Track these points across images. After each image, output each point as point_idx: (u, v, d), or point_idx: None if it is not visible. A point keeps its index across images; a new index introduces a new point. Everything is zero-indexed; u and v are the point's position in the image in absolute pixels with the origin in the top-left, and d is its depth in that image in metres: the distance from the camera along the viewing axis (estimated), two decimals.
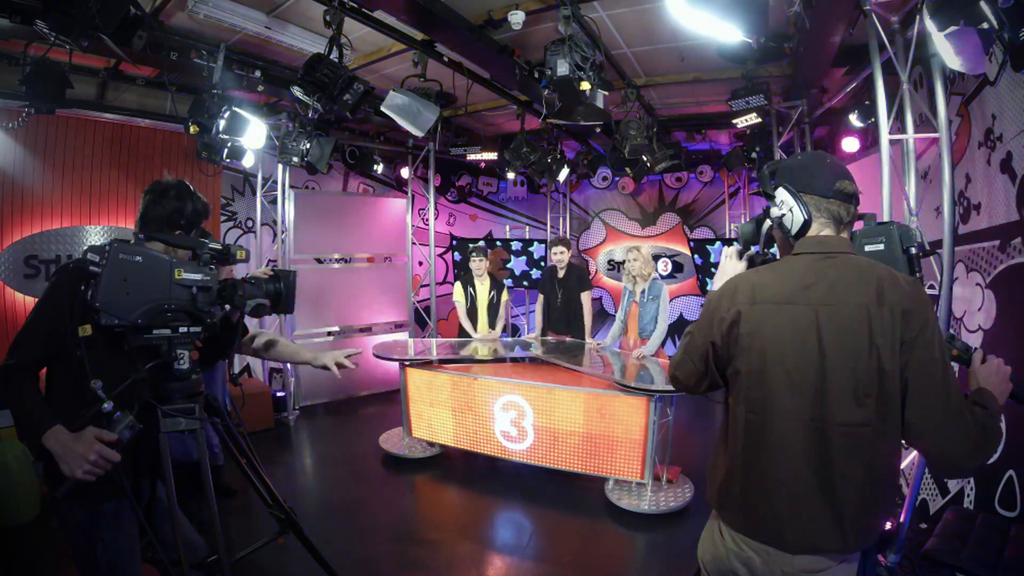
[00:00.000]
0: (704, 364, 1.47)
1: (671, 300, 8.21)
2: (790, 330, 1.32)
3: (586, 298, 5.16)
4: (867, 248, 1.56)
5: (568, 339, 5.21)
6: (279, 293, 1.83)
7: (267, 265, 6.09)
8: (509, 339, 5.72)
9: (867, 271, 1.31)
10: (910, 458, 3.17)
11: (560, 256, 5.22)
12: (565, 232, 8.91)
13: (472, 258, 5.24)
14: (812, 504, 1.30)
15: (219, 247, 1.68)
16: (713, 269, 7.03)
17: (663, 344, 4.59)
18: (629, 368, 4.15)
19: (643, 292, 4.63)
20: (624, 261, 4.81)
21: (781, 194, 1.41)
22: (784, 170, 1.43)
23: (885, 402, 1.25)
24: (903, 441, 1.30)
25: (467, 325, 5.32)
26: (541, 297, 5.45)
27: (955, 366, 1.43)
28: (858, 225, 1.65)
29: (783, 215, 1.41)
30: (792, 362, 1.31)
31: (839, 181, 1.37)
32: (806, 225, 1.37)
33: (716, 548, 1.48)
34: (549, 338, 5.33)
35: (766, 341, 1.34)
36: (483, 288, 5.25)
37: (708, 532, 1.54)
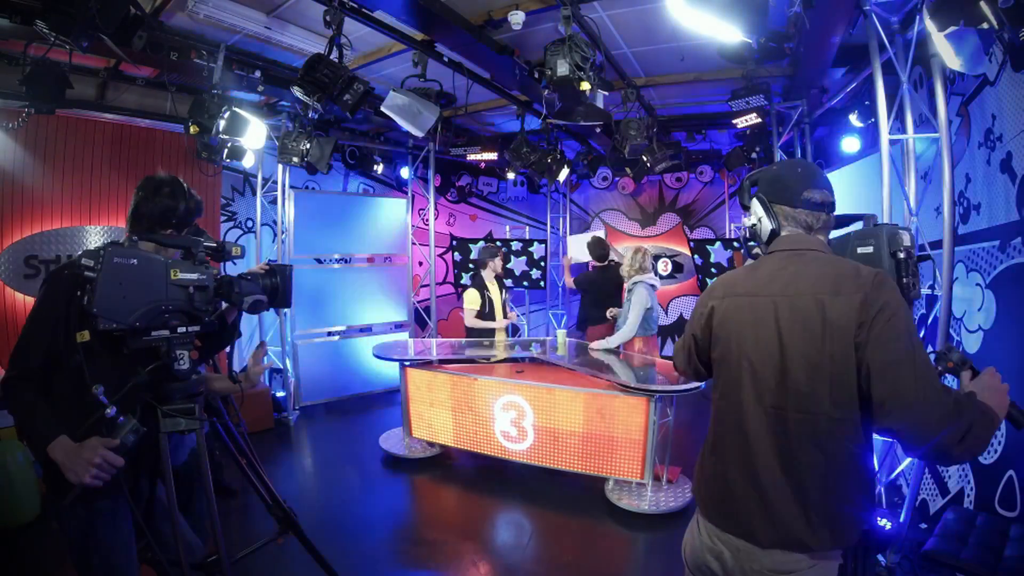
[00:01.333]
0: (687, 353, 1.64)
1: (671, 300, 8.26)
2: (752, 320, 1.39)
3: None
4: (859, 251, 1.57)
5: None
6: (276, 288, 1.83)
7: (267, 262, 6.08)
8: (510, 339, 5.71)
9: (829, 265, 1.36)
10: (910, 459, 3.17)
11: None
12: (565, 232, 8.91)
13: (497, 258, 5.12)
14: (777, 491, 1.30)
15: (214, 244, 1.68)
16: (713, 269, 7.04)
17: (663, 347, 4.60)
18: (629, 368, 4.15)
19: (628, 291, 4.76)
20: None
21: (754, 205, 1.50)
22: (761, 181, 1.51)
23: (840, 390, 1.26)
24: (878, 430, 1.27)
25: (484, 324, 5.14)
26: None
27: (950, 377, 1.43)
28: (858, 226, 1.66)
29: (754, 224, 1.51)
30: (753, 350, 1.38)
31: (806, 191, 1.42)
32: (774, 233, 1.45)
33: (693, 540, 1.50)
34: (585, 341, 5.18)
35: (732, 331, 1.44)
36: (495, 289, 5.21)
37: (690, 525, 1.56)
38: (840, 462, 1.27)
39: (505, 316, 5.26)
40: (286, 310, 5.61)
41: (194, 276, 1.58)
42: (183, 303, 1.57)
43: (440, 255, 8.48)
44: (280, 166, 5.74)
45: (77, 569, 1.66)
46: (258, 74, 4.37)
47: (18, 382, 1.55)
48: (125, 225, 1.78)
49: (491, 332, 5.19)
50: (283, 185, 5.91)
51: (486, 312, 5.12)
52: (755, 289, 1.42)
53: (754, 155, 5.70)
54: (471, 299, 5.11)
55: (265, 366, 2.17)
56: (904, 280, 1.47)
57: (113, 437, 1.45)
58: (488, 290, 5.14)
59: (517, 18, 3.48)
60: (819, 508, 1.27)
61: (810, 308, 1.30)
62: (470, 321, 5.14)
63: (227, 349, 1.95)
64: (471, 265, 7.90)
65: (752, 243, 1.59)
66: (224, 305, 1.79)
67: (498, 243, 8.08)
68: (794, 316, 1.32)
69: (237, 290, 1.71)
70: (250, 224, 6.31)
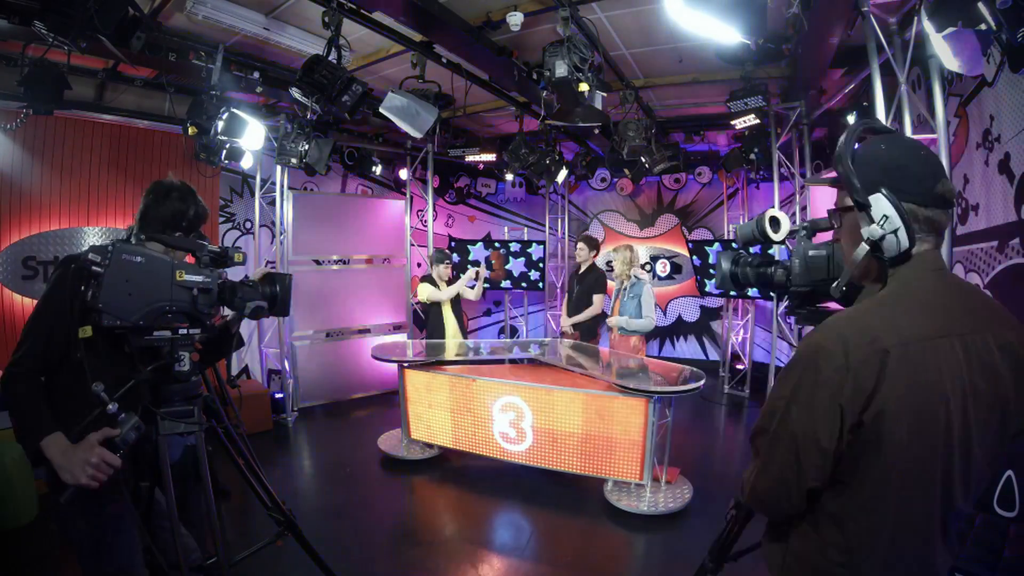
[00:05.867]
0: (821, 457, 1.01)
1: (669, 301, 8.27)
2: (948, 373, 0.97)
3: (597, 301, 5.19)
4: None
5: (576, 340, 5.18)
6: (275, 296, 1.83)
7: (265, 265, 6.08)
8: (508, 340, 5.72)
9: (978, 293, 1.07)
10: None
11: (580, 253, 5.35)
12: (564, 233, 8.91)
13: (442, 264, 5.32)
14: None
15: (217, 249, 1.68)
16: (712, 270, 7.04)
17: (661, 348, 4.61)
18: (628, 369, 4.15)
19: (624, 290, 4.85)
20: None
21: (883, 206, 1.01)
22: (872, 168, 1.06)
23: (991, 460, 1.01)
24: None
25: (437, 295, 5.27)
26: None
27: None
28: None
29: (884, 236, 1.02)
30: (947, 417, 0.97)
31: (939, 184, 1.03)
32: (907, 251, 1.03)
33: None
34: (567, 340, 5.32)
35: (928, 394, 0.97)
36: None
37: None
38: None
39: (460, 319, 5.42)
40: None
41: (199, 278, 1.58)
42: (187, 305, 1.56)
43: None
44: (279, 167, 5.74)
45: (85, 573, 1.65)
46: (257, 75, 4.37)
47: (18, 375, 1.55)
48: (128, 227, 1.78)
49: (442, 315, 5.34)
50: (281, 186, 5.90)
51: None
52: (938, 328, 0.99)
53: (752, 156, 5.71)
54: (424, 291, 5.29)
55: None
56: None
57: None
58: (439, 287, 5.33)
59: (515, 19, 3.48)
60: None
61: (998, 351, 0.97)
62: (424, 295, 5.29)
63: None
64: (471, 265, 7.90)
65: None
66: (229, 314, 1.79)
67: (496, 244, 8.09)
68: (984, 362, 0.97)
69: (239, 295, 1.71)
70: (249, 225, 6.30)
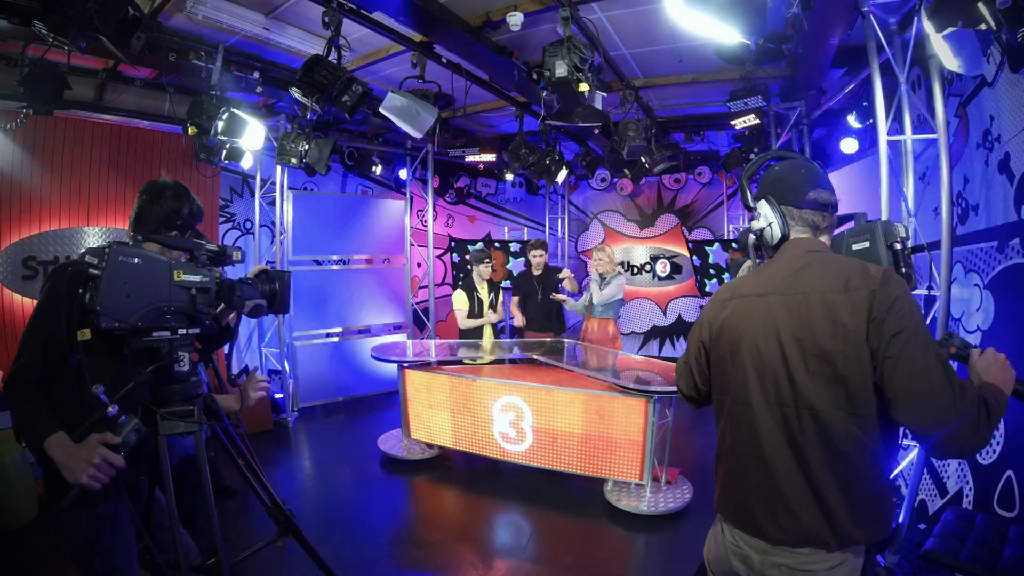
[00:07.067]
0: (697, 366, 1.58)
1: (669, 301, 8.28)
2: (758, 318, 1.39)
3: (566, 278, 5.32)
4: (854, 247, 1.57)
5: (548, 339, 5.18)
6: (274, 294, 1.83)
7: (265, 264, 6.08)
8: (508, 340, 5.72)
9: (835, 264, 1.36)
10: (909, 458, 3.17)
11: (537, 259, 5.32)
12: (564, 234, 8.91)
13: (482, 264, 5.22)
14: (794, 490, 1.30)
15: (215, 248, 1.68)
16: (712, 270, 7.05)
17: (661, 348, 4.62)
18: (628, 368, 4.15)
19: (603, 281, 4.99)
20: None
21: (762, 207, 1.47)
22: (764, 183, 1.50)
23: (853, 388, 1.25)
24: (893, 423, 1.27)
25: (473, 323, 5.20)
26: (516, 298, 5.44)
27: (955, 364, 1.42)
28: (849, 225, 1.67)
29: (763, 228, 1.48)
30: (761, 348, 1.37)
31: (812, 191, 1.43)
32: (784, 237, 1.45)
33: (718, 546, 1.49)
34: (529, 339, 5.31)
35: (740, 331, 1.42)
36: (484, 290, 5.25)
37: (712, 530, 1.55)
38: (854, 459, 1.26)
39: (494, 312, 5.32)
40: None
41: (197, 278, 1.58)
42: (185, 305, 1.56)
43: (439, 256, 8.48)
44: (279, 167, 5.75)
45: (79, 572, 1.65)
46: (256, 75, 4.37)
47: (20, 378, 1.55)
48: (127, 228, 1.78)
49: (482, 331, 5.23)
50: (281, 186, 5.90)
51: (475, 313, 5.17)
52: (762, 289, 1.42)
53: (752, 156, 5.71)
54: (459, 300, 5.19)
55: (261, 394, 2.15)
56: (903, 271, 1.48)
57: (115, 435, 1.45)
58: (477, 291, 5.20)
59: (515, 19, 3.48)
60: (837, 504, 1.26)
61: (817, 306, 1.29)
62: (462, 323, 5.20)
63: (225, 350, 1.95)
64: (468, 267, 7.91)
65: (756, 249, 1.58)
66: (221, 307, 1.78)
67: (496, 244, 8.09)
68: (801, 314, 1.31)
69: (238, 294, 1.71)
70: (248, 225, 6.30)
